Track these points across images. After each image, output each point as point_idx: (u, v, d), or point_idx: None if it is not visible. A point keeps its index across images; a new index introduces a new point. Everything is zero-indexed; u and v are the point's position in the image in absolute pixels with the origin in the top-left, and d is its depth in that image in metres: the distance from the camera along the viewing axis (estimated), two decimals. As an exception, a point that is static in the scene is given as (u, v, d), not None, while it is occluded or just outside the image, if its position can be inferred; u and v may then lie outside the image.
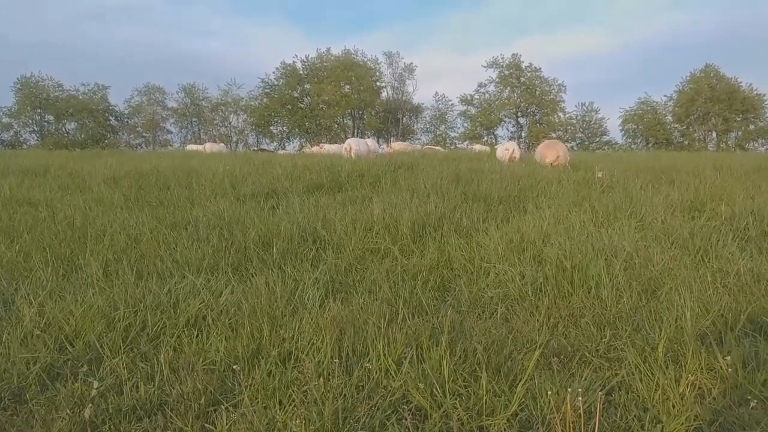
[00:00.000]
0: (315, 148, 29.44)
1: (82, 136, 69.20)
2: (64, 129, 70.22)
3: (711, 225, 6.18)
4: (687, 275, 4.49)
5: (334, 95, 72.26)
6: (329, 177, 10.20)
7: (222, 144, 45.73)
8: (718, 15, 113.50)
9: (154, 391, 2.99)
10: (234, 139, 79.01)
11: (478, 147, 40.37)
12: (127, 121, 76.82)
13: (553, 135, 75.48)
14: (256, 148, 60.23)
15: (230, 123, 79.76)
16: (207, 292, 4.37)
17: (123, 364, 3.24)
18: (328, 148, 28.70)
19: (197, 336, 3.62)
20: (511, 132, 79.40)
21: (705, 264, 4.87)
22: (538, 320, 3.92)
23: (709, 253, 5.08)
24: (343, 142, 23.28)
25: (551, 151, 14.05)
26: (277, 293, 4.23)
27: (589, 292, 4.26)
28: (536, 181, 9.53)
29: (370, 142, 23.13)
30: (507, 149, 16.88)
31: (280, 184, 9.57)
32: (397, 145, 37.90)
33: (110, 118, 74.08)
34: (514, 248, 5.35)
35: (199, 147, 34.31)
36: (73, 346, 3.50)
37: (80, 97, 69.10)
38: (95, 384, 3.01)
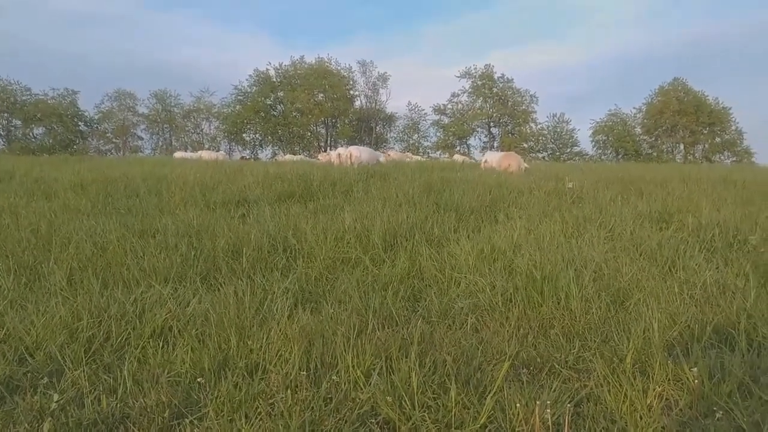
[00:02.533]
0: (322, 157, 28.39)
1: (51, 141, 68.02)
2: (31, 134, 68.90)
3: (678, 236, 6.26)
4: (655, 286, 4.53)
5: (308, 103, 72.11)
6: (301, 185, 10.13)
7: (221, 151, 44.29)
8: (685, 30, 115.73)
9: (116, 404, 2.92)
10: (206, 146, 78.39)
11: (459, 157, 40.49)
12: (97, 127, 75.70)
13: (525, 145, 76.33)
14: (246, 156, 59.59)
15: (202, 130, 79.12)
16: (174, 301, 4.29)
17: (85, 376, 3.16)
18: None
19: (163, 347, 3.54)
20: (484, 142, 79.94)
21: (672, 275, 4.92)
22: (507, 331, 3.92)
23: (677, 264, 5.13)
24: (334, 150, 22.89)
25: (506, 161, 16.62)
26: (246, 303, 4.17)
27: (558, 303, 4.27)
28: (508, 191, 9.58)
29: (370, 151, 22.52)
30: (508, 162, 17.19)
31: (251, 193, 9.49)
32: (393, 154, 37.80)
33: (79, 123, 72.94)
34: (485, 258, 5.35)
35: (191, 154, 32.42)
36: (34, 358, 3.40)
37: (49, 102, 67.92)
38: (55, 397, 2.93)
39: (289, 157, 29.79)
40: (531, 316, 4.15)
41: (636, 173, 13.60)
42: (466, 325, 4.09)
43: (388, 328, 3.94)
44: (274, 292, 4.58)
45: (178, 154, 31.05)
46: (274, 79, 76.23)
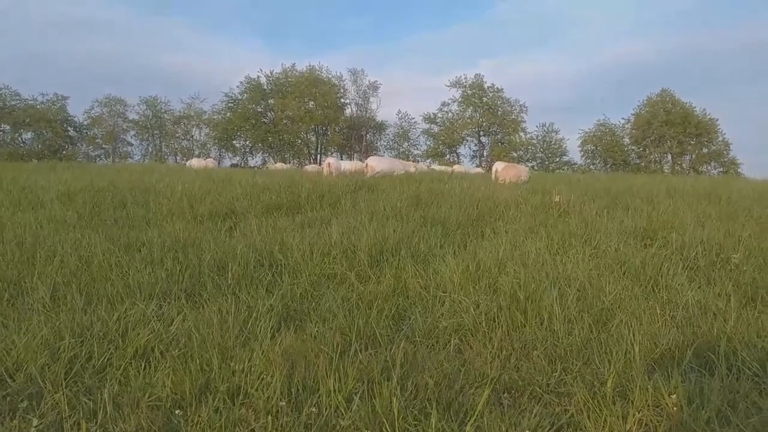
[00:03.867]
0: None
1: (39, 146, 67.73)
2: (20, 139, 68.52)
3: (662, 254, 6.30)
4: (637, 306, 4.56)
5: (298, 111, 72.16)
6: (289, 197, 10.14)
7: (210, 159, 43.41)
8: (674, 42, 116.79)
9: (95, 430, 2.91)
10: (197, 152, 78.26)
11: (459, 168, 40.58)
12: (87, 133, 75.43)
13: (514, 154, 76.62)
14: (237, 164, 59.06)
15: (192, 136, 79.01)
16: (157, 320, 4.28)
17: (65, 399, 3.14)
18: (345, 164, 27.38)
19: (145, 368, 3.53)
20: (473, 151, 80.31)
21: (655, 294, 4.96)
22: (491, 352, 3.93)
23: (659, 284, 5.16)
24: (327, 158, 22.62)
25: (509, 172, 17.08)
26: (230, 322, 4.16)
27: (542, 324, 4.29)
28: (495, 205, 9.61)
29: (391, 161, 21.83)
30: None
31: (239, 204, 9.47)
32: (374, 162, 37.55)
33: (69, 128, 72.66)
34: (470, 276, 5.36)
35: (205, 162, 31.18)
36: (14, 380, 3.38)
37: (38, 107, 67.62)
38: (34, 422, 2.91)
39: (279, 165, 29.67)
40: (514, 336, 4.17)
41: (623, 186, 13.68)
42: (450, 345, 4.10)
43: (372, 348, 3.95)
44: (259, 310, 4.58)
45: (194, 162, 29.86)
46: (265, 87, 76.27)
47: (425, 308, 4.85)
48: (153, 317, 4.30)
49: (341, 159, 76.20)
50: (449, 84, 78.50)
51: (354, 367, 3.42)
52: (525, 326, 4.29)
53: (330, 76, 77.55)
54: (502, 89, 77.08)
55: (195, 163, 29.14)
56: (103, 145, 76.33)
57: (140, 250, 6.51)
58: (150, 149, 77.65)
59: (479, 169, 29.52)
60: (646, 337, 3.94)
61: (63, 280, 5.38)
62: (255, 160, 77.00)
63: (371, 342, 4.11)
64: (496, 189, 11.82)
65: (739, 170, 73.22)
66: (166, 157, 77.90)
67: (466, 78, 78.09)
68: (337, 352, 3.77)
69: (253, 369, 3.44)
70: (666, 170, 76.32)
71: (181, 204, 9.53)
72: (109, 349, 3.81)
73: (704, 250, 6.24)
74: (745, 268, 5.77)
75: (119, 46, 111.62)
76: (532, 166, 79.21)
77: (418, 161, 73.17)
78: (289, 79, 75.82)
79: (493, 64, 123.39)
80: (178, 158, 77.96)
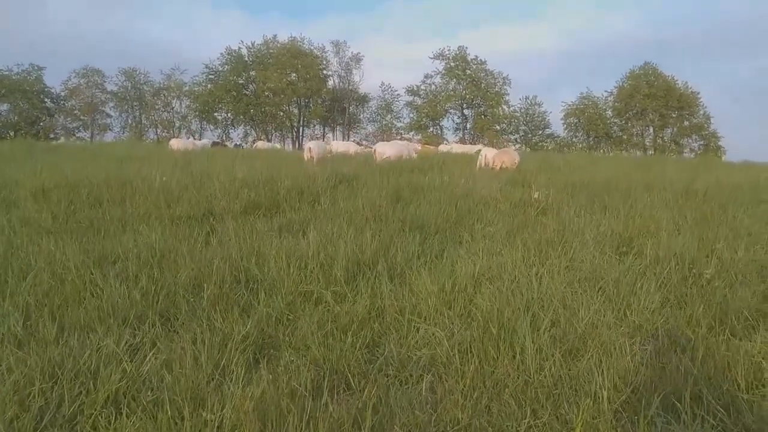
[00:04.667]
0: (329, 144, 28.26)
1: (15, 118, 66.65)
2: (-5, 110, 67.47)
3: (637, 267, 6.36)
4: (609, 336, 4.60)
5: (280, 83, 71.47)
6: (268, 195, 10.07)
7: (191, 139, 42.92)
8: (657, 14, 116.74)
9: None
10: (177, 124, 77.46)
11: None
12: (64, 104, 74.29)
13: (497, 127, 76.68)
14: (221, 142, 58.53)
15: (173, 108, 78.13)
16: (129, 360, 4.26)
17: (34, 459, 3.14)
18: (336, 145, 27.71)
19: (115, 418, 3.52)
20: (457, 123, 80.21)
21: (627, 319, 5.01)
22: (462, 391, 3.96)
23: (632, 306, 5.22)
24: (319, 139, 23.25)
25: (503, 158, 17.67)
26: (203, 361, 4.15)
27: (514, 358, 4.33)
28: (474, 204, 9.64)
29: (399, 145, 22.00)
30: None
31: (217, 204, 9.40)
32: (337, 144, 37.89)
33: (46, 100, 71.49)
34: (445, 298, 5.39)
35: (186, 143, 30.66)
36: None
37: (13, 78, 66.39)
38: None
39: (261, 144, 29.50)
40: (486, 372, 4.20)
41: (602, 177, 13.75)
42: (423, 381, 4.13)
43: (345, 388, 3.98)
44: (234, 339, 4.58)
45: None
46: (247, 58, 75.36)
47: (400, 335, 4.87)
48: (125, 355, 4.27)
49: (330, 136, 75.78)
50: (433, 56, 78.03)
51: (325, 420, 3.44)
52: (497, 360, 4.32)
53: (312, 47, 76.77)
54: (485, 61, 76.87)
55: (176, 144, 28.74)
56: (81, 117, 75.29)
57: (115, 263, 6.46)
58: (129, 121, 76.75)
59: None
60: (616, 374, 4.00)
61: (36, 302, 5.33)
62: (237, 132, 76.39)
63: (344, 379, 4.13)
64: (476, 183, 11.84)
65: (720, 143, 73.97)
66: (146, 129, 77.07)
67: (449, 50, 77.59)
68: (310, 394, 3.80)
69: (225, 421, 3.44)
70: (648, 143, 76.92)
71: (158, 202, 9.44)
72: (81, 392, 3.79)
73: (677, 264, 6.30)
74: (717, 284, 5.86)
75: (96, 15, 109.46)
76: (515, 139, 79.45)
77: (401, 136, 73.07)
78: (271, 51, 75.02)
79: (477, 35, 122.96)
80: (158, 131, 77.17)
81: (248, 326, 4.82)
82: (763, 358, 4.24)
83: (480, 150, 21.85)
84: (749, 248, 6.97)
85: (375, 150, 19.87)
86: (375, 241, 7.04)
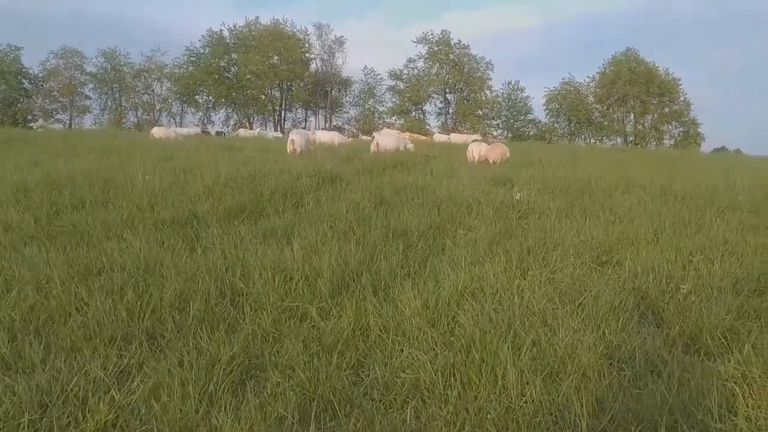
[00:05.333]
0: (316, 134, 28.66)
1: (-8, 98, 65.77)
2: (-28, 91, 66.51)
3: (616, 280, 6.49)
4: (588, 359, 4.72)
5: (262, 66, 70.91)
6: (251, 197, 10.09)
7: (173, 128, 42.76)
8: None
9: None
10: (157, 107, 76.66)
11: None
12: (42, 85, 73.18)
13: (479, 112, 76.83)
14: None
15: (153, 91, 77.21)
16: (117, 381, 4.32)
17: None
18: (320, 135, 28.01)
19: (105, 453, 3.59)
20: (439, 108, 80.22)
21: (605, 340, 5.13)
22: (445, 418, 4.07)
23: (611, 325, 5.34)
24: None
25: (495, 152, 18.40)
26: (190, 389, 4.21)
27: (496, 382, 4.43)
28: (456, 207, 9.73)
29: (397, 136, 23.30)
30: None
31: (201, 207, 9.41)
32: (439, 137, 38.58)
33: (24, 81, 70.36)
34: (429, 316, 5.49)
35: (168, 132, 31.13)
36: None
37: (-10, 58, 65.32)
38: None
39: (242, 132, 29.37)
40: (469, 397, 4.31)
41: (583, 175, 13.90)
42: (408, 407, 4.23)
43: (331, 419, 4.07)
44: (221, 360, 4.65)
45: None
46: (228, 41, 74.61)
47: (385, 355, 4.96)
48: (113, 380, 4.33)
49: (313, 124, 75.34)
50: (416, 40, 77.79)
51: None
52: (479, 385, 4.43)
53: (295, 30, 76.14)
54: (468, 46, 76.81)
55: (157, 132, 28.60)
56: (60, 99, 74.22)
57: (100, 274, 6.48)
58: (109, 103, 75.74)
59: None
60: (595, 400, 4.13)
61: (21, 318, 5.36)
62: (218, 116, 75.81)
63: (330, 405, 4.22)
64: (459, 182, 11.95)
65: (699, 130, 74.73)
66: (126, 111, 76.19)
67: (432, 34, 77.41)
68: (297, 422, 3.89)
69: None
70: (629, 129, 77.52)
71: (142, 204, 9.42)
72: (70, 422, 3.85)
73: (655, 278, 6.45)
74: (693, 299, 6.00)
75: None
76: (497, 124, 79.69)
77: (383, 122, 72.87)
78: (253, 33, 74.40)
79: (461, 16, 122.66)
80: (138, 113, 76.34)
81: (234, 347, 4.89)
82: (735, 383, 4.38)
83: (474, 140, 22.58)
84: (725, 259, 7.13)
85: (377, 142, 20.59)
86: (359, 251, 7.12)
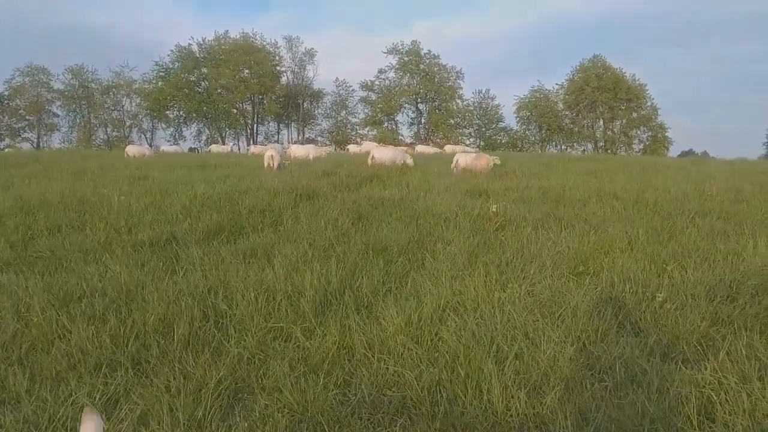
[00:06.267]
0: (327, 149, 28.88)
1: (-44, 118, 64.69)
2: (-66, 110, 65.29)
3: (593, 290, 6.62)
4: (570, 370, 4.84)
5: (233, 80, 70.71)
6: (230, 215, 10.10)
7: (146, 145, 43.28)
8: (602, 6, 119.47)
9: None
10: (127, 123, 75.95)
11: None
12: (8, 103, 72.09)
13: (452, 121, 77.39)
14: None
15: (123, 107, 76.46)
16: (104, 410, 4.32)
17: None
18: (296, 150, 27.95)
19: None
20: (411, 118, 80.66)
21: (586, 351, 5.24)
22: (433, 434, 4.14)
23: (591, 336, 5.46)
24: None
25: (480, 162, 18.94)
26: (178, 415, 4.23)
27: (481, 399, 4.51)
28: (434, 221, 9.83)
29: (394, 150, 23.07)
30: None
31: (179, 227, 9.39)
32: (421, 149, 38.57)
33: (-12, 99, 69.21)
34: (412, 333, 5.55)
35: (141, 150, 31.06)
36: None
37: (-47, 77, 64.22)
38: None
39: (215, 148, 29.31)
40: (456, 413, 4.38)
41: (557, 185, 14.11)
42: (396, 424, 4.29)
43: (321, 436, 4.13)
44: (208, 385, 4.67)
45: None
46: (198, 55, 74.23)
47: (370, 373, 5.01)
48: (101, 409, 4.33)
49: (285, 137, 75.06)
50: (386, 51, 78.27)
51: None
52: (464, 401, 4.51)
53: (264, 43, 76.12)
54: (438, 56, 77.52)
55: (131, 151, 28.55)
56: (27, 117, 73.19)
57: (81, 300, 6.45)
58: (78, 121, 74.81)
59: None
60: (578, 412, 4.23)
61: (2, 346, 5.34)
62: (190, 131, 75.35)
63: (319, 426, 4.26)
64: (437, 196, 12.07)
65: (667, 134, 76.12)
66: (95, 129, 75.36)
67: (403, 44, 77.96)
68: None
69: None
70: (598, 135, 78.67)
71: (119, 226, 9.38)
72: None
73: (631, 287, 6.60)
74: (668, 307, 6.15)
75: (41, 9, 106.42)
76: (470, 133, 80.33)
77: (356, 133, 72.99)
78: (223, 47, 74.13)
79: (428, 24, 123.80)
80: (108, 130, 75.59)
81: (221, 371, 4.91)
82: (712, 390, 4.51)
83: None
84: (698, 267, 7.31)
85: (372, 155, 20.41)
86: (340, 268, 7.17)
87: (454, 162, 19.26)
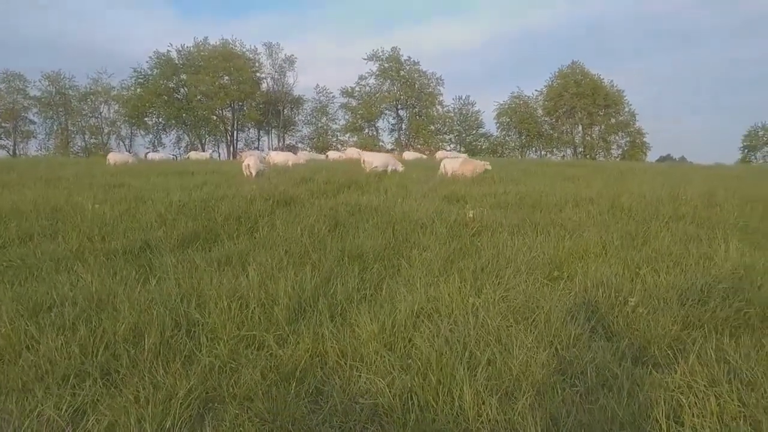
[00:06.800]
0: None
1: (-71, 126, 63.81)
2: None
3: (567, 295, 6.65)
4: (542, 376, 4.84)
5: (212, 86, 70.37)
6: (205, 223, 10.03)
7: (128, 153, 43.35)
8: (580, 13, 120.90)
9: None
10: (106, 130, 75.25)
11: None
12: (-18, 111, 71.14)
13: (432, 127, 77.65)
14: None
15: (101, 113, 75.74)
16: (70, 422, 4.25)
17: None
18: (275, 157, 27.84)
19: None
20: (392, 124, 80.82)
21: (558, 356, 5.26)
22: (403, 444, 4.13)
23: (564, 341, 5.48)
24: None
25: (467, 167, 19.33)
26: (146, 427, 4.17)
27: (453, 405, 4.50)
28: (411, 227, 9.83)
29: (386, 156, 23.71)
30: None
31: (153, 235, 9.29)
32: (408, 155, 38.64)
33: (-38, 106, 68.34)
34: (386, 340, 5.54)
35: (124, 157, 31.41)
36: None
37: (-74, 83, 63.39)
38: None
39: (193, 155, 29.20)
40: (427, 420, 4.37)
41: (534, 191, 14.19)
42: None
43: (291, 448, 4.09)
44: (178, 395, 4.61)
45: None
46: (177, 61, 73.78)
47: (343, 381, 4.99)
48: (67, 421, 4.26)
49: (266, 146, 74.93)
50: (366, 57, 78.42)
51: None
52: (436, 408, 4.50)
53: (244, 50, 75.93)
54: (418, 62, 77.88)
55: (113, 158, 28.27)
56: (3, 124, 72.30)
57: (51, 310, 6.35)
58: (55, 128, 74.00)
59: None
60: (549, 417, 4.24)
61: (-32, 358, 5.25)
62: (169, 138, 74.87)
63: (290, 435, 4.23)
64: (414, 202, 12.08)
65: (645, 139, 77.00)
66: (72, 136, 74.60)
67: (383, 51, 78.17)
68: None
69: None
70: (578, 141, 79.33)
71: (92, 235, 9.27)
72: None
73: (604, 292, 6.64)
74: (641, 311, 6.20)
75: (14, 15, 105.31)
76: (450, 139, 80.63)
77: (336, 140, 72.95)
78: (202, 53, 73.75)
79: (407, 32, 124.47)
80: (86, 137, 74.91)
81: (192, 381, 4.85)
82: (681, 393, 4.54)
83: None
84: (670, 271, 7.38)
85: (363, 160, 21.26)
86: (315, 275, 7.14)
87: (441, 168, 19.51)
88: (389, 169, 21.12)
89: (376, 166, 20.72)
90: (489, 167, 19.64)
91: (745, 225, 10.69)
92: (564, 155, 77.59)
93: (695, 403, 4.40)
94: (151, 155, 39.04)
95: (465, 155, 34.64)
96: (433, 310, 6.28)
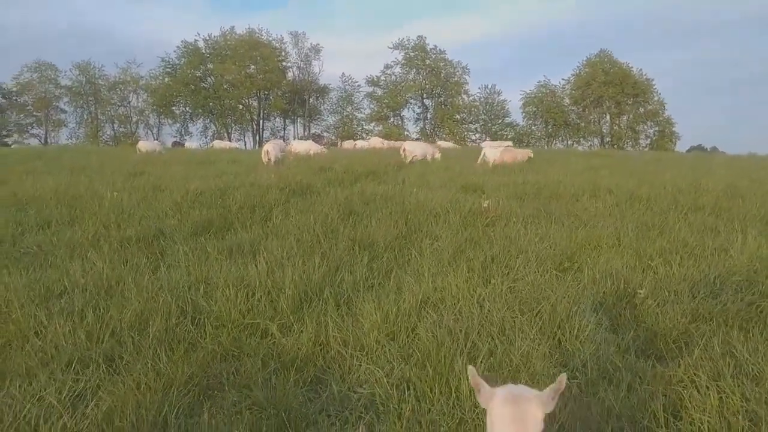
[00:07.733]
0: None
1: (-36, 114, 65.20)
2: (-58, 106, 65.83)
3: (575, 287, 6.57)
4: (542, 367, 4.79)
5: (239, 75, 70.72)
6: (219, 211, 10.10)
7: (157, 141, 44.16)
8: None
9: None
10: (134, 119, 76.14)
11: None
12: (16, 100, 72.48)
13: (458, 116, 77.21)
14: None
15: (129, 103, 76.63)
16: (71, 406, 4.31)
17: None
18: (297, 146, 28.06)
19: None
20: (417, 113, 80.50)
21: (561, 348, 5.21)
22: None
23: (566, 333, 5.42)
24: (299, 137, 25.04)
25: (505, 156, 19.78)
26: (143, 413, 4.21)
27: (450, 394, 4.48)
28: (424, 217, 9.79)
29: (425, 146, 24.46)
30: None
31: (168, 223, 9.38)
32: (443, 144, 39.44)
33: (-4, 95, 69.68)
34: (389, 329, 5.52)
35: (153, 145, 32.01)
36: None
37: (-40, 74, 64.63)
38: None
39: (217, 144, 29.57)
40: (423, 410, 4.35)
41: (553, 181, 14.04)
42: (363, 421, 4.28)
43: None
44: (178, 380, 4.66)
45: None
46: (204, 51, 74.28)
47: (343, 371, 5.00)
48: (67, 405, 4.32)
49: (291, 136, 75.26)
50: (392, 46, 78.12)
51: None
52: (433, 399, 4.47)
53: (270, 39, 76.09)
54: (444, 51, 77.30)
55: (143, 146, 29.06)
56: (35, 113, 73.58)
57: (61, 297, 6.45)
58: (85, 117, 75.07)
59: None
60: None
61: (-22, 341, 5.35)
62: (196, 126, 75.50)
63: (284, 424, 4.24)
64: (429, 192, 12.04)
65: (674, 129, 75.67)
66: (102, 124, 75.60)
67: (408, 40, 77.77)
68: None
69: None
70: (605, 130, 78.31)
71: (108, 222, 9.39)
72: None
73: (613, 283, 6.54)
74: (650, 303, 6.10)
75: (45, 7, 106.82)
76: (476, 128, 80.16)
77: (362, 129, 72.95)
78: (229, 43, 74.14)
79: (434, 23, 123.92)
80: (115, 126, 75.90)
81: (193, 368, 4.89)
82: (683, 387, 4.46)
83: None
84: (683, 262, 7.25)
85: (404, 149, 21.71)
86: (323, 264, 7.14)
87: (481, 156, 19.68)
88: (429, 157, 21.70)
89: (416, 155, 21.19)
90: (531, 155, 19.76)
91: (768, 216, 10.46)
92: (591, 145, 76.66)
93: (697, 397, 4.32)
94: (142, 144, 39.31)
95: (509, 143, 34.65)
96: (439, 300, 6.24)
